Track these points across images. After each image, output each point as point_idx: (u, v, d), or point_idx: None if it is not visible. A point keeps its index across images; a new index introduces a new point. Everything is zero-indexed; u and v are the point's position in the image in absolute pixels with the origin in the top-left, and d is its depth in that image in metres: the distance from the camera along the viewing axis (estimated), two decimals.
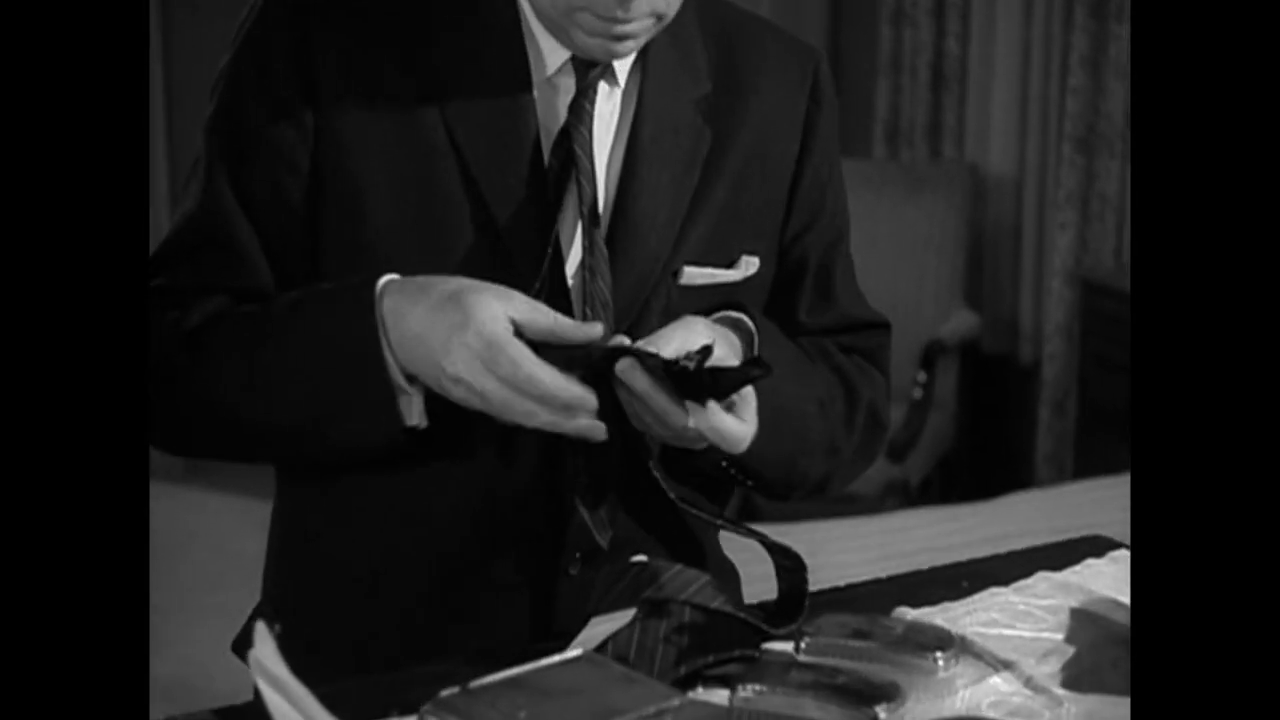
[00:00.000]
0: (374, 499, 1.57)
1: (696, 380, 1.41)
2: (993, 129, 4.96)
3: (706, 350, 1.43)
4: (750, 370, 1.44)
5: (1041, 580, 1.61)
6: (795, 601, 1.47)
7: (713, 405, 1.43)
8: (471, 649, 1.46)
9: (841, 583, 1.65)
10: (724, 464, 1.55)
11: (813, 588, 1.61)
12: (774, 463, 1.58)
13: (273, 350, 1.49)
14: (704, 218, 1.59)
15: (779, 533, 3.11)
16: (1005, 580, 1.60)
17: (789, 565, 1.51)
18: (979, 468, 4.92)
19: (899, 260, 4.76)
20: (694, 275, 1.59)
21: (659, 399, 1.42)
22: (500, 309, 1.40)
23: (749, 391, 1.48)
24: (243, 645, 1.60)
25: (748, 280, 1.62)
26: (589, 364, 1.42)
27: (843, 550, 3.31)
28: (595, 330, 1.43)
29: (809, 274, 1.69)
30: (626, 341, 1.44)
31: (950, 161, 5.01)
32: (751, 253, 1.63)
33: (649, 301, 1.56)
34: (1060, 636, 1.49)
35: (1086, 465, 4.54)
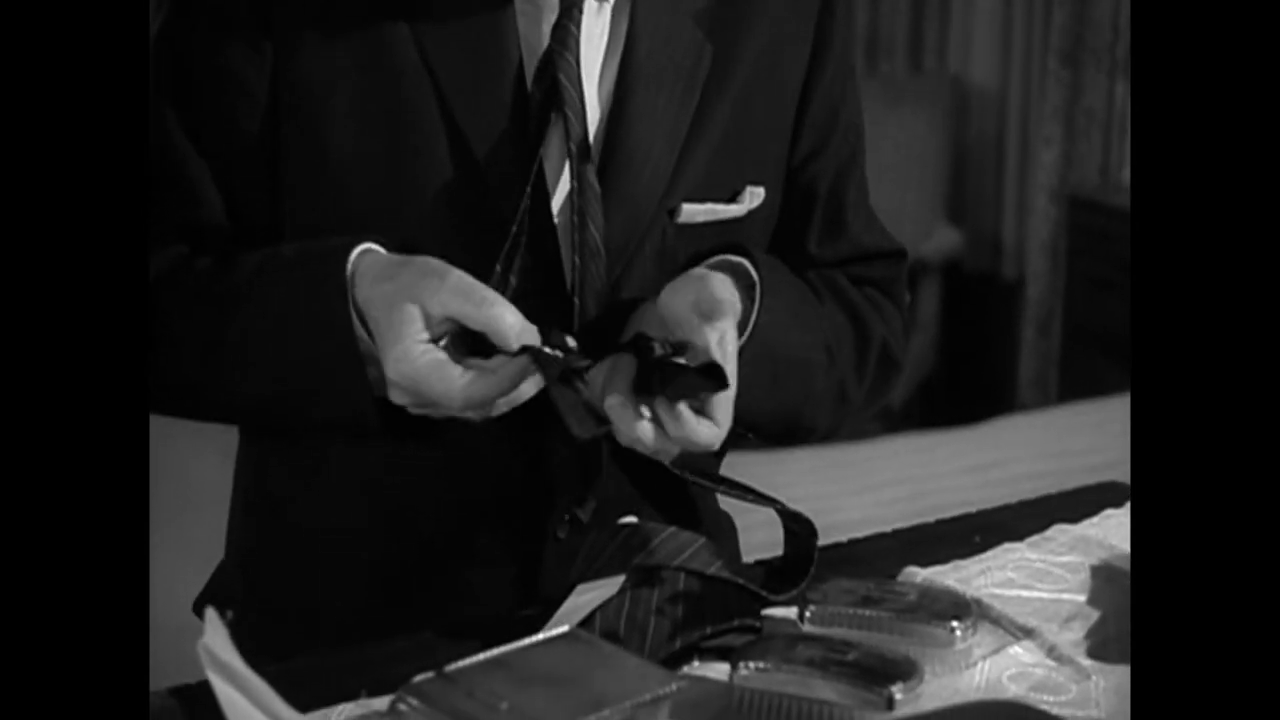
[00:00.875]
0: (342, 459, 1.45)
1: (654, 371, 1.28)
2: (976, 41, 4.85)
3: (681, 346, 1.30)
4: (705, 382, 1.30)
5: (1059, 534, 1.50)
6: (800, 567, 1.35)
7: (683, 412, 1.29)
8: (448, 620, 1.34)
9: (843, 538, 1.54)
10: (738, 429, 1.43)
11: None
12: (776, 416, 1.47)
13: (238, 325, 1.37)
14: (704, 146, 1.45)
15: (758, 462, 3.06)
16: (1020, 534, 1.50)
17: (798, 530, 1.39)
18: (962, 390, 4.83)
19: (878, 176, 4.60)
20: (693, 212, 1.44)
21: (626, 416, 1.29)
22: (417, 321, 1.28)
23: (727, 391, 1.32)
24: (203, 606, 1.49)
25: (752, 214, 1.49)
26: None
27: (825, 480, 3.23)
28: (530, 340, 1.29)
29: (819, 202, 1.56)
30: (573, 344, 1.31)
31: (931, 74, 4.90)
32: (756, 182, 1.49)
33: (643, 243, 1.42)
34: (1083, 598, 1.39)
35: (1071, 386, 4.46)
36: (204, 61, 1.39)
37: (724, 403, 1.31)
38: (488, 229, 1.36)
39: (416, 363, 1.27)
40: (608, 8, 1.44)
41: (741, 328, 1.38)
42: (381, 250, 1.34)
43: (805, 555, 1.37)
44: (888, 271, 1.61)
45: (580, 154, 1.37)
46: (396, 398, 1.30)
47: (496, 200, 1.37)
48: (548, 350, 1.28)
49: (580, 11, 1.40)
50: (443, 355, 1.28)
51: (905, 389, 4.45)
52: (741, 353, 1.35)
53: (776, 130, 1.51)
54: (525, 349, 1.28)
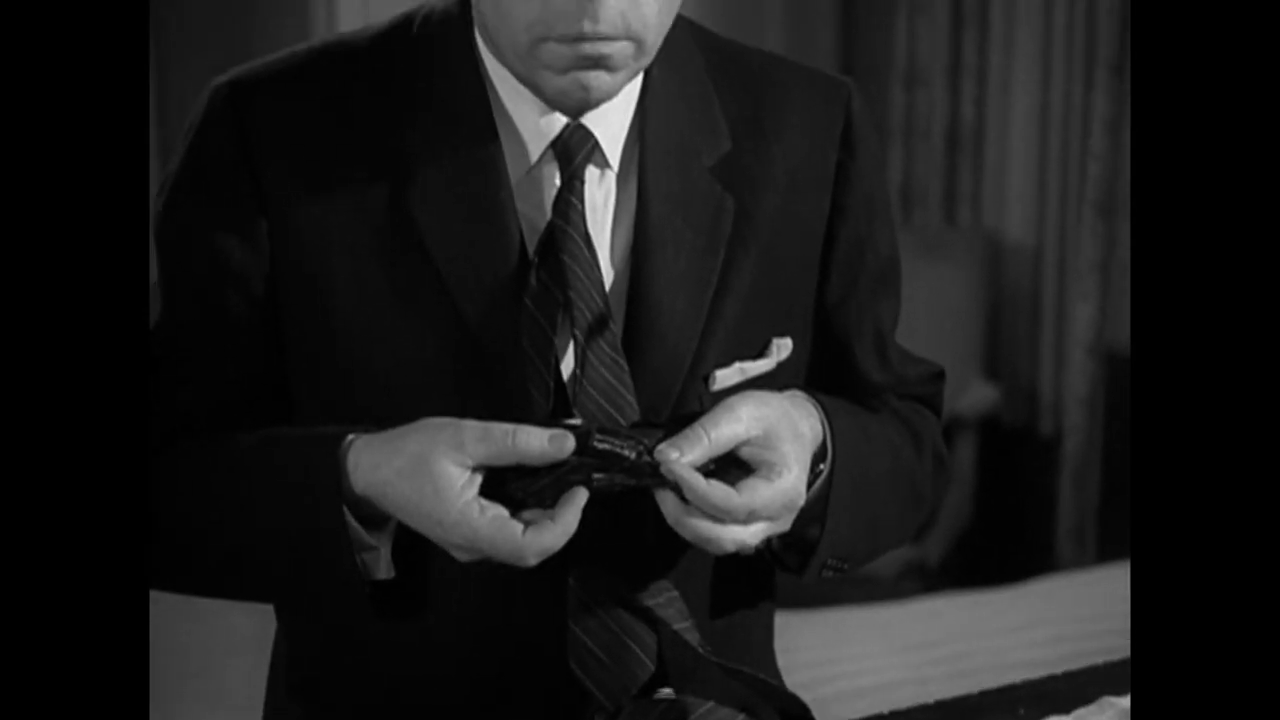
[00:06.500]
0: (373, 636, 1.42)
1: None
2: (1010, 194, 4.84)
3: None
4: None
5: (1106, 707, 1.45)
6: None
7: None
8: None
9: (885, 708, 1.49)
10: (833, 564, 1.44)
11: (851, 710, 1.47)
12: (865, 534, 1.47)
13: (228, 511, 1.35)
14: (731, 304, 1.41)
15: (797, 621, 3.00)
16: (1066, 706, 1.46)
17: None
18: (1000, 546, 4.77)
19: (913, 330, 4.56)
20: (726, 377, 1.41)
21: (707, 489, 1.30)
22: (460, 481, 1.27)
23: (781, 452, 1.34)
24: None
25: (781, 364, 1.45)
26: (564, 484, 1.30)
27: (865, 640, 3.17)
28: (564, 445, 1.27)
29: (859, 340, 1.53)
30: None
31: (966, 228, 4.88)
32: (782, 333, 1.46)
33: (675, 414, 1.38)
34: None
35: (1110, 543, 4.40)
36: (200, 247, 1.38)
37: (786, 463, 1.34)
38: (496, 406, 1.32)
39: (476, 524, 1.26)
40: (611, 174, 1.41)
41: (820, 455, 1.40)
42: (368, 434, 1.32)
43: None
44: (928, 388, 1.60)
45: (590, 334, 1.34)
46: (461, 557, 1.29)
47: (515, 397, 1.34)
48: (601, 444, 1.29)
49: (582, 182, 1.37)
50: (500, 511, 1.27)
51: (942, 545, 4.39)
52: (829, 478, 1.40)
53: (803, 277, 1.48)
54: (583, 451, 1.28)
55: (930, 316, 4.62)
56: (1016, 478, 4.90)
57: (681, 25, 1.44)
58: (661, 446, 1.29)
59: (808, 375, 1.50)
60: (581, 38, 1.29)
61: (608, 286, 1.38)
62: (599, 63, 1.31)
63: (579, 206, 1.36)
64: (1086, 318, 4.59)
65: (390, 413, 1.33)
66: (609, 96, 1.36)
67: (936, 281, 4.65)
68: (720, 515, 1.30)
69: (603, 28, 1.29)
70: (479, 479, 1.28)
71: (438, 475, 1.26)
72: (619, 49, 1.31)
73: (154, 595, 1.31)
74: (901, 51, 4.94)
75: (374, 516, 1.31)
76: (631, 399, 1.34)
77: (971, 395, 4.60)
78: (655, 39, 1.34)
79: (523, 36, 1.31)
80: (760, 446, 1.33)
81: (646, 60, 1.36)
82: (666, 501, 1.31)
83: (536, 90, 1.36)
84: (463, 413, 1.30)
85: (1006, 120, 4.83)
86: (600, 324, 1.34)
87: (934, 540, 4.31)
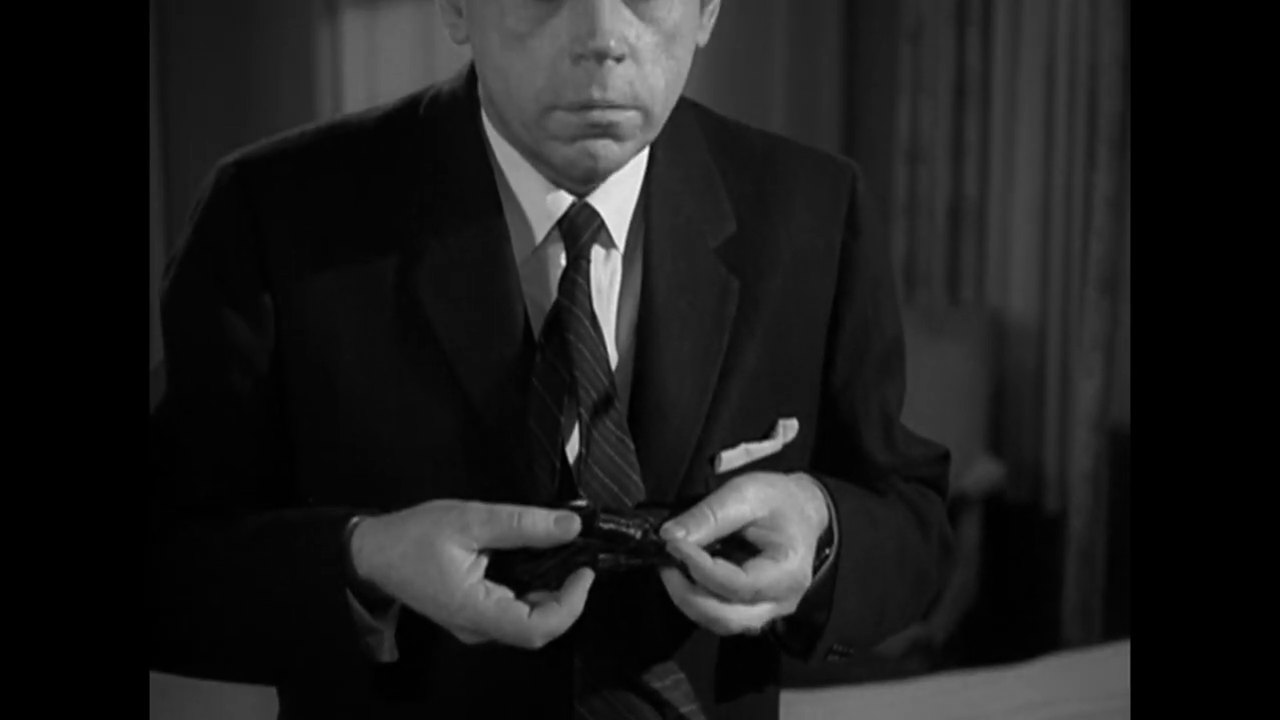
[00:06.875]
0: (377, 718, 1.41)
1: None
2: (1013, 271, 4.85)
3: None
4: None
5: None
6: None
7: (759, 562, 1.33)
8: None
9: None
10: (838, 649, 1.42)
11: None
12: (870, 619, 1.45)
13: (230, 593, 1.35)
14: (737, 386, 1.41)
15: (802, 700, 2.98)
16: None
17: None
18: (1005, 624, 4.75)
19: (917, 408, 4.56)
20: (732, 459, 1.41)
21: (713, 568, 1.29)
22: (465, 564, 1.28)
23: (788, 533, 1.35)
24: None
25: (787, 445, 1.45)
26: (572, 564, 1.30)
27: (870, 719, 3.15)
28: (570, 527, 1.27)
29: (865, 423, 1.52)
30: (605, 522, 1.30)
31: (969, 306, 4.89)
32: (789, 414, 1.46)
33: (681, 496, 1.38)
34: None
35: (1116, 620, 4.38)
36: (205, 326, 1.38)
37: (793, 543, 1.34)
38: (501, 486, 1.33)
39: (481, 607, 1.27)
40: (617, 255, 1.41)
41: (825, 539, 1.40)
42: (372, 517, 1.33)
43: None
44: (933, 470, 1.60)
45: (595, 414, 1.34)
46: (467, 640, 1.30)
47: (508, 460, 1.34)
48: (606, 524, 1.30)
49: (588, 261, 1.38)
50: (506, 593, 1.27)
51: (948, 623, 4.37)
52: (835, 563, 1.40)
53: (808, 359, 1.48)
54: (589, 532, 1.28)
55: (935, 394, 4.62)
56: (1022, 555, 4.89)
57: (685, 106, 1.44)
58: (668, 525, 1.29)
59: (813, 457, 1.49)
60: (590, 105, 1.30)
61: (613, 367, 1.38)
62: (607, 131, 1.32)
63: (584, 286, 1.36)
64: (1091, 394, 4.59)
65: (395, 493, 1.33)
66: (616, 167, 1.37)
67: (941, 359, 4.66)
68: (726, 595, 1.30)
69: (611, 95, 1.29)
70: (484, 561, 1.28)
71: (443, 558, 1.26)
72: (627, 118, 1.32)
73: (154, 677, 1.30)
74: (904, 129, 4.96)
75: (378, 599, 1.31)
76: (637, 479, 1.34)
77: (976, 472, 4.59)
78: (662, 111, 1.35)
79: (531, 106, 1.31)
80: (766, 528, 1.33)
81: (653, 133, 1.36)
82: (672, 580, 1.31)
83: (544, 162, 1.36)
84: (468, 493, 1.30)
85: (1009, 198, 4.85)
86: (605, 404, 1.34)
87: (939, 619, 4.29)
